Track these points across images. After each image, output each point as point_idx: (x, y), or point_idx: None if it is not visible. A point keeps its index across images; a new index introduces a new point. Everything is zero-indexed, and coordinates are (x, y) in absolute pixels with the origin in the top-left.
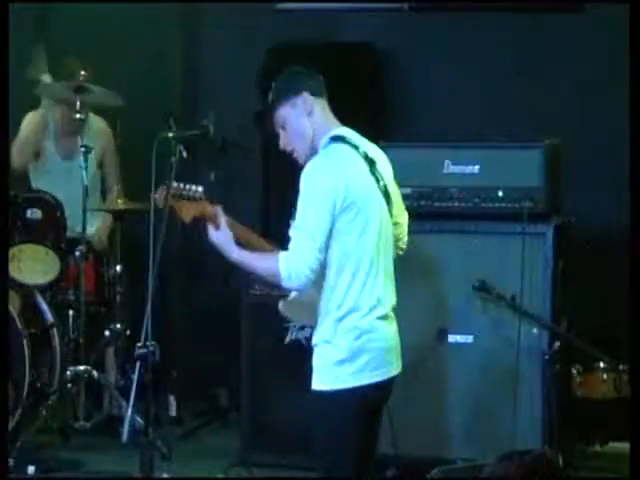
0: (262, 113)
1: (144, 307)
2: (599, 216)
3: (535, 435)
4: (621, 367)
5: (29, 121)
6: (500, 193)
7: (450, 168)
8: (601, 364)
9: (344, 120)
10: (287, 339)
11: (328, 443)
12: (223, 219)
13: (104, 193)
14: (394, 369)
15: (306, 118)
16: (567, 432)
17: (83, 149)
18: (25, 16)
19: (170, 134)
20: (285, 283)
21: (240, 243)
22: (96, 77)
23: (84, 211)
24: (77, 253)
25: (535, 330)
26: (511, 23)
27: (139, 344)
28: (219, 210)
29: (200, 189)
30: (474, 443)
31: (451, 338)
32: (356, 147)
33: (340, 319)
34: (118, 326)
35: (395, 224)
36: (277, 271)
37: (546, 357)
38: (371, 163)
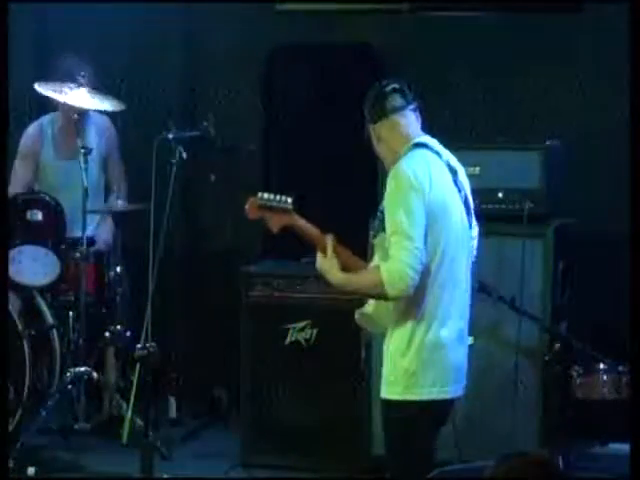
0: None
1: (144, 308)
2: (599, 217)
3: (535, 436)
4: (621, 368)
5: (22, 157)
6: (500, 194)
7: None
8: (601, 365)
9: (345, 120)
10: (287, 340)
11: (395, 451)
12: (331, 248)
13: (107, 193)
14: (462, 388)
15: (382, 145)
16: (567, 433)
17: (83, 150)
18: (25, 16)
19: (170, 135)
20: (390, 290)
21: (343, 268)
22: (96, 77)
23: (84, 212)
24: (77, 254)
25: (535, 331)
26: (511, 23)
27: (139, 345)
28: (330, 239)
29: (289, 200)
30: (474, 444)
31: None
32: (439, 154)
33: (416, 329)
34: (118, 327)
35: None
36: (379, 280)
37: (546, 358)
38: (454, 172)
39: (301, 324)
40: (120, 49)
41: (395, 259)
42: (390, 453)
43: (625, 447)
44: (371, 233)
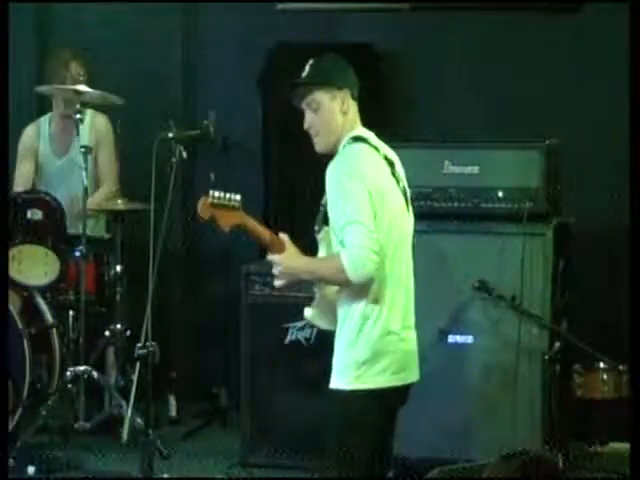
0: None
1: (144, 307)
2: (599, 216)
3: (535, 435)
4: (621, 367)
5: (22, 155)
6: (500, 193)
7: (450, 168)
8: (601, 364)
9: None
10: (287, 339)
11: (343, 442)
12: (287, 239)
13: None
14: (413, 376)
15: (340, 115)
16: (567, 432)
17: (83, 149)
18: (25, 16)
19: (170, 135)
20: (352, 274)
21: None
22: (96, 76)
23: (84, 211)
24: (77, 253)
25: (535, 330)
26: (511, 23)
27: (139, 344)
28: (285, 237)
29: (238, 197)
30: (474, 443)
31: (451, 338)
32: (376, 149)
33: (364, 319)
34: (118, 326)
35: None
36: (342, 266)
37: (546, 357)
38: (391, 165)
39: (301, 323)
40: (120, 48)
41: (353, 245)
42: (338, 443)
43: (625, 446)
44: (315, 228)
